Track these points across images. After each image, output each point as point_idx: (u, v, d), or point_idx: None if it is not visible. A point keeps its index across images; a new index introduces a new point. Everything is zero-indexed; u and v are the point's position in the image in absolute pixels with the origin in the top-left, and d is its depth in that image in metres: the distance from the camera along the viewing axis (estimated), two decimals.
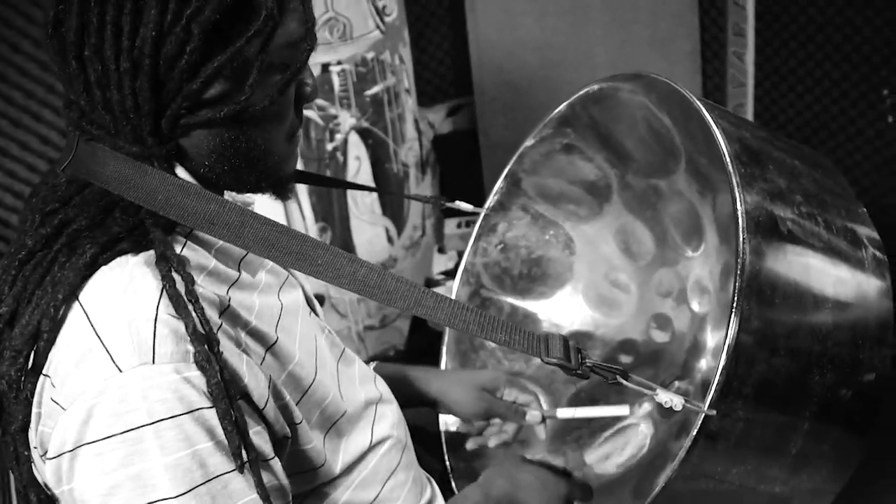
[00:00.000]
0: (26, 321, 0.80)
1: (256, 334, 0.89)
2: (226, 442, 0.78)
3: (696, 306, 1.33)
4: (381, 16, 2.26)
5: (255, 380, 0.84)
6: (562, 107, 1.33)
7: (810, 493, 1.08)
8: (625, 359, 1.42)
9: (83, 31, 0.79)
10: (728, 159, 0.96)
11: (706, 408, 0.88)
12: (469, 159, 2.85)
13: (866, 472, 1.18)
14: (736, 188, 0.94)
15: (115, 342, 0.76)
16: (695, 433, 0.89)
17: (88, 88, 0.81)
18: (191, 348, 0.77)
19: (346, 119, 2.28)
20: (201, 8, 0.78)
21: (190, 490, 0.75)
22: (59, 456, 0.77)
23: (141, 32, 0.78)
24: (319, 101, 2.24)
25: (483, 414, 1.27)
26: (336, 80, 2.24)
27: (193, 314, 0.78)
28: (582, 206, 1.46)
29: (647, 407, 1.28)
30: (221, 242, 0.89)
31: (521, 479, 1.06)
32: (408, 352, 2.56)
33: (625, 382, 0.90)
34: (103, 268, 0.81)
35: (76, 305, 0.80)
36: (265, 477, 0.82)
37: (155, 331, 0.77)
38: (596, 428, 1.32)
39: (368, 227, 2.44)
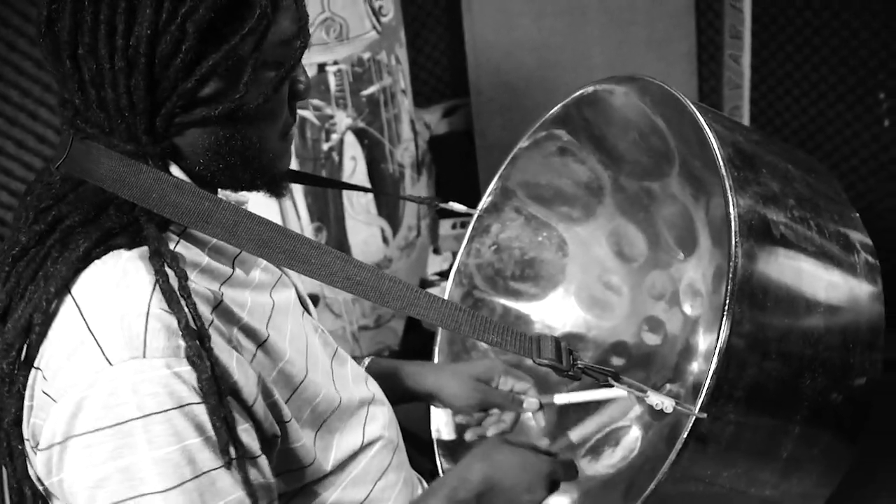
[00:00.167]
0: (19, 315, 0.81)
1: (248, 331, 0.89)
2: (215, 438, 0.78)
3: (688, 309, 1.33)
4: (378, 16, 2.26)
5: (244, 377, 0.84)
6: (556, 109, 1.33)
7: (801, 497, 1.08)
8: (617, 361, 1.43)
9: (77, 30, 0.79)
10: (721, 163, 0.96)
11: (696, 410, 0.88)
12: (465, 160, 2.84)
13: (857, 476, 1.18)
14: (729, 192, 0.94)
15: (107, 336, 0.77)
16: (685, 436, 0.89)
17: (83, 87, 0.82)
18: (182, 343, 0.77)
19: (343, 119, 2.28)
20: (196, 7, 0.78)
21: (178, 485, 0.76)
22: (49, 447, 0.78)
23: (136, 31, 0.78)
24: (315, 101, 2.24)
25: (479, 405, 1.27)
26: (332, 81, 2.24)
27: (186, 309, 0.79)
28: (575, 208, 1.46)
29: (638, 409, 1.28)
30: (216, 240, 0.89)
31: (500, 461, 1.04)
32: (402, 352, 2.56)
33: (616, 384, 0.90)
34: (96, 262, 0.81)
35: (68, 299, 0.80)
36: (252, 474, 0.82)
37: (147, 325, 0.77)
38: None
39: (364, 228, 2.44)
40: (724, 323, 0.89)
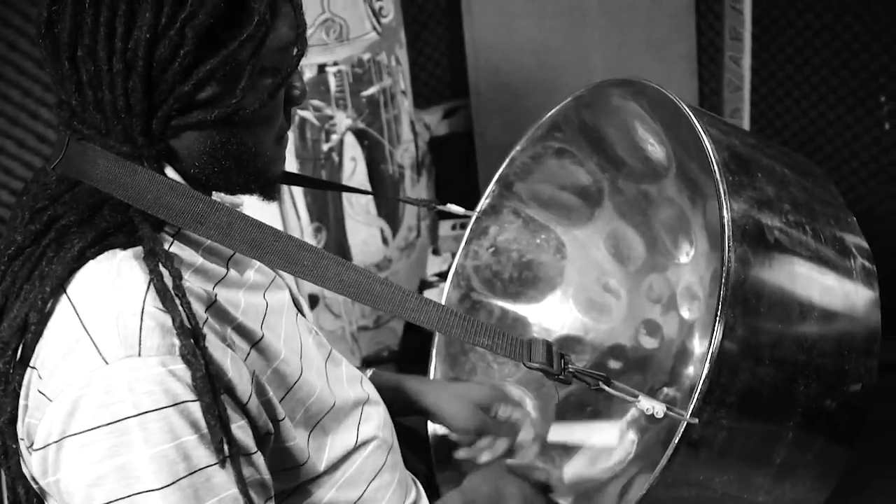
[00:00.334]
0: (14, 314, 0.81)
1: (242, 330, 0.90)
2: (209, 435, 0.78)
3: (685, 313, 1.33)
4: (378, 17, 2.26)
5: (238, 375, 0.84)
6: (553, 111, 1.33)
7: (795, 503, 1.08)
8: (614, 364, 1.42)
9: (77, 32, 0.80)
10: (716, 167, 0.96)
11: (688, 416, 0.88)
12: (465, 161, 2.85)
13: (853, 481, 1.18)
14: (723, 196, 0.94)
15: (102, 334, 0.77)
16: (676, 441, 0.89)
17: (80, 88, 0.82)
18: (177, 342, 0.78)
19: (342, 120, 2.28)
20: (195, 12, 0.79)
21: (173, 482, 0.76)
22: (45, 447, 0.78)
23: (135, 35, 0.78)
24: (315, 102, 2.25)
25: (476, 430, 1.27)
26: (332, 81, 2.24)
27: (180, 308, 0.79)
28: (573, 211, 1.46)
29: (634, 413, 1.28)
30: (210, 241, 0.90)
31: (505, 490, 1.06)
32: (402, 352, 2.56)
33: (607, 389, 0.90)
34: (91, 261, 0.81)
35: (64, 298, 0.80)
36: (248, 471, 0.83)
37: (142, 324, 0.77)
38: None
39: (363, 228, 2.44)
40: (716, 328, 0.88)
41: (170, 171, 0.86)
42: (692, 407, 0.88)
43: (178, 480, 0.76)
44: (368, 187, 2.38)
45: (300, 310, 1.11)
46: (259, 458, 0.86)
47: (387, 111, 2.35)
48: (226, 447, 0.79)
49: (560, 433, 1.29)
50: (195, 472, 0.77)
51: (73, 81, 0.82)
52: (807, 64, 2.52)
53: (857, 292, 1.06)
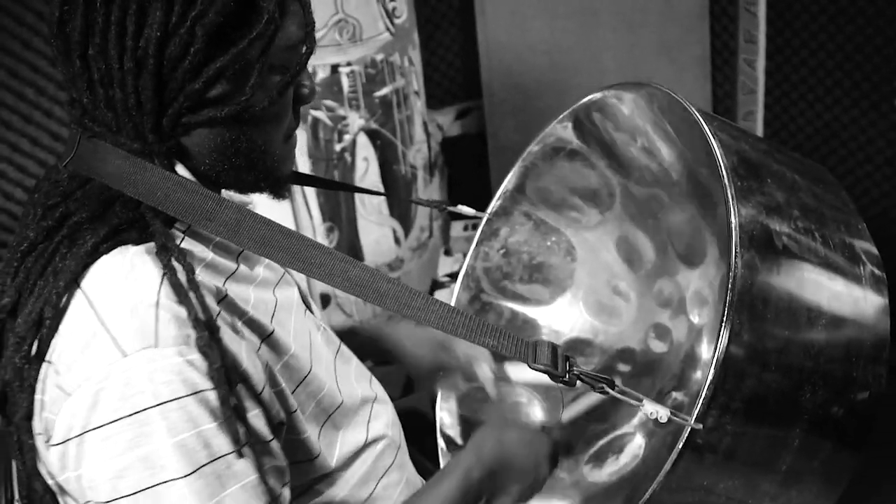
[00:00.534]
0: (29, 309, 0.82)
1: (253, 324, 0.91)
2: (227, 422, 0.79)
3: (694, 317, 1.33)
4: (391, 18, 2.27)
5: (252, 365, 0.86)
6: (564, 114, 1.33)
7: None
8: (623, 367, 1.42)
9: (88, 31, 0.81)
10: (724, 172, 0.96)
11: (692, 421, 0.88)
12: (477, 162, 2.85)
13: (860, 488, 1.17)
14: (731, 201, 0.94)
15: (119, 327, 0.78)
16: (680, 446, 0.89)
17: (91, 87, 0.83)
18: (192, 332, 0.79)
19: (355, 120, 2.29)
20: (205, 11, 0.80)
21: (196, 470, 0.77)
22: (64, 442, 0.79)
23: (145, 33, 0.80)
24: (328, 102, 2.25)
25: (435, 364, 1.30)
26: (345, 82, 2.25)
27: (194, 301, 0.80)
28: (584, 214, 1.45)
29: (642, 416, 1.28)
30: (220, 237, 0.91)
31: (508, 440, 1.07)
32: None
33: (611, 392, 0.90)
34: (104, 256, 0.82)
35: (78, 293, 0.81)
36: (265, 459, 0.85)
37: (157, 315, 0.79)
38: (590, 436, 1.31)
39: (376, 228, 2.44)
40: (722, 333, 0.88)
41: (180, 169, 0.88)
42: (696, 412, 0.88)
43: (200, 468, 0.77)
44: (381, 188, 2.38)
45: (308, 307, 1.12)
46: (275, 445, 0.88)
47: (400, 112, 2.36)
48: (243, 436, 0.81)
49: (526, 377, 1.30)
50: (216, 459, 0.78)
51: (85, 80, 0.83)
52: (821, 67, 2.51)
53: (867, 299, 1.06)
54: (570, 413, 1.31)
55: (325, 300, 2.43)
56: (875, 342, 1.05)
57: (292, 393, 0.94)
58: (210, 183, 0.90)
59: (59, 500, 0.86)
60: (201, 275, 0.87)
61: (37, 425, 0.83)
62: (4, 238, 2.05)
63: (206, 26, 0.80)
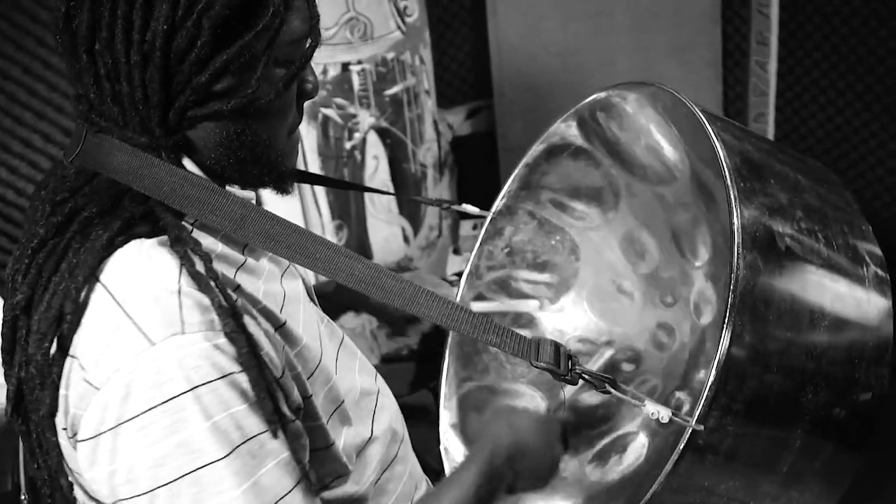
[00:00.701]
0: (48, 305, 0.82)
1: (266, 314, 0.92)
2: (258, 404, 0.81)
3: (698, 317, 1.33)
4: (403, 16, 2.27)
5: (272, 349, 0.87)
6: (569, 112, 1.33)
7: None
8: (626, 367, 1.42)
9: (94, 26, 0.82)
10: (727, 172, 0.96)
11: (694, 421, 0.88)
12: (487, 161, 2.85)
13: (861, 490, 1.17)
14: (733, 202, 0.94)
15: (144, 317, 0.79)
16: (681, 447, 0.89)
17: (98, 81, 0.84)
18: (215, 318, 0.80)
19: (365, 118, 2.29)
20: (212, 3, 0.80)
21: (233, 450, 0.78)
22: (96, 436, 0.79)
23: (152, 27, 0.80)
24: (339, 100, 2.26)
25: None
26: (356, 80, 2.25)
27: (216, 289, 0.81)
28: (588, 213, 1.45)
29: (645, 416, 1.28)
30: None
31: (520, 426, 1.08)
32: (421, 351, 2.57)
33: (613, 391, 0.90)
34: (119, 250, 0.83)
35: (98, 286, 0.82)
36: (290, 437, 0.86)
37: (181, 302, 0.80)
38: (594, 436, 1.31)
39: (385, 227, 2.45)
40: (723, 334, 0.88)
41: (187, 163, 0.88)
42: (698, 413, 0.88)
43: (236, 448, 0.78)
44: (390, 186, 2.39)
45: (312, 298, 1.13)
46: (298, 425, 0.90)
47: (410, 110, 2.36)
48: (273, 416, 0.82)
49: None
50: (250, 438, 0.80)
51: (91, 74, 0.84)
52: (833, 69, 2.50)
53: (870, 300, 1.05)
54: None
55: None
56: (878, 344, 1.04)
57: (308, 379, 0.95)
58: (216, 177, 0.91)
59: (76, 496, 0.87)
60: (215, 265, 0.87)
61: (62, 421, 0.83)
62: (19, 234, 2.07)
63: (212, 19, 0.80)
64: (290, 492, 0.81)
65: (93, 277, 0.82)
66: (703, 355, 1.30)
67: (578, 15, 2.60)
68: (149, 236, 0.85)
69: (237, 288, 0.89)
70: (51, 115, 2.07)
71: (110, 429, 0.78)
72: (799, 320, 0.97)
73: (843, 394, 1.00)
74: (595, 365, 1.43)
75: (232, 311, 0.81)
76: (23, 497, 1.33)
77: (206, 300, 0.81)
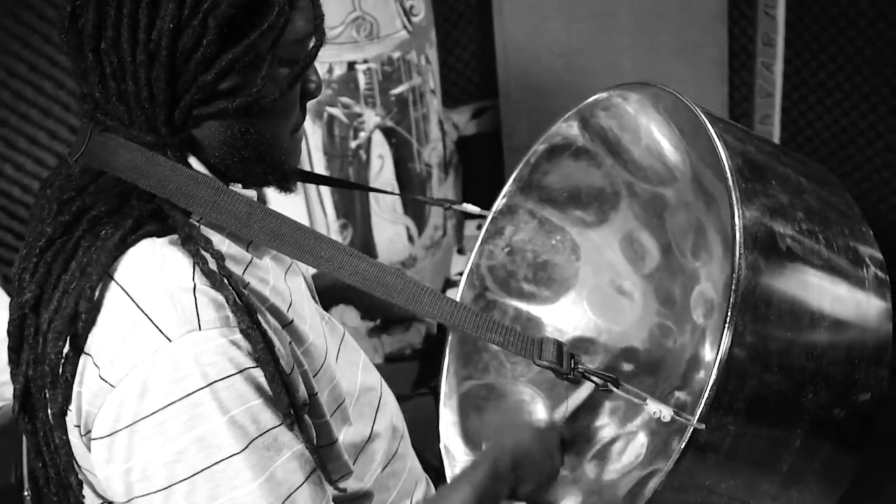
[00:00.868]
0: (62, 304, 0.83)
1: (273, 311, 0.93)
2: (273, 398, 0.82)
3: (698, 318, 1.33)
4: (409, 16, 2.28)
5: (283, 346, 0.88)
6: (570, 112, 1.33)
7: None
8: (626, 366, 1.42)
9: (100, 25, 0.82)
10: (729, 174, 0.96)
11: (695, 420, 0.88)
12: (492, 161, 2.85)
13: (861, 490, 1.17)
14: (735, 203, 0.94)
15: (161, 314, 0.80)
16: (683, 445, 0.89)
17: (104, 80, 0.85)
18: (230, 314, 0.81)
19: (371, 117, 2.30)
20: (217, 2, 0.81)
21: (249, 444, 0.79)
22: (112, 434, 0.79)
23: (158, 26, 0.81)
24: (344, 99, 2.26)
25: None
26: (362, 79, 2.26)
27: (229, 287, 0.82)
28: (589, 213, 1.45)
29: (645, 415, 1.28)
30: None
31: (522, 436, 1.12)
32: (425, 350, 2.58)
33: (616, 390, 0.91)
34: (131, 249, 0.84)
35: (113, 285, 0.83)
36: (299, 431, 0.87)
37: (196, 299, 0.81)
38: (594, 434, 1.32)
39: (389, 226, 2.45)
40: (725, 334, 0.88)
41: (193, 161, 0.89)
42: (699, 412, 0.88)
43: (252, 442, 0.79)
44: (395, 185, 2.39)
45: (313, 296, 1.14)
46: (307, 419, 0.91)
47: (415, 110, 2.37)
48: (288, 409, 0.83)
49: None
50: (265, 432, 0.81)
51: (97, 73, 0.84)
52: (840, 71, 2.50)
53: (870, 302, 1.06)
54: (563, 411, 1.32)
55: None
56: (877, 345, 1.05)
57: (314, 376, 0.96)
58: (220, 175, 0.91)
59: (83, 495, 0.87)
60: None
61: (75, 419, 0.83)
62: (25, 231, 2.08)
63: (218, 18, 0.81)
64: (303, 483, 0.83)
65: (107, 276, 0.83)
66: (702, 355, 1.30)
67: (583, 15, 2.60)
68: (159, 235, 0.85)
69: (246, 286, 0.90)
70: (57, 112, 2.08)
71: (127, 426, 0.78)
72: (799, 321, 0.98)
73: (843, 394, 1.01)
74: (595, 364, 1.43)
75: (246, 308, 0.82)
76: (26, 493, 1.34)
77: (220, 297, 0.82)
